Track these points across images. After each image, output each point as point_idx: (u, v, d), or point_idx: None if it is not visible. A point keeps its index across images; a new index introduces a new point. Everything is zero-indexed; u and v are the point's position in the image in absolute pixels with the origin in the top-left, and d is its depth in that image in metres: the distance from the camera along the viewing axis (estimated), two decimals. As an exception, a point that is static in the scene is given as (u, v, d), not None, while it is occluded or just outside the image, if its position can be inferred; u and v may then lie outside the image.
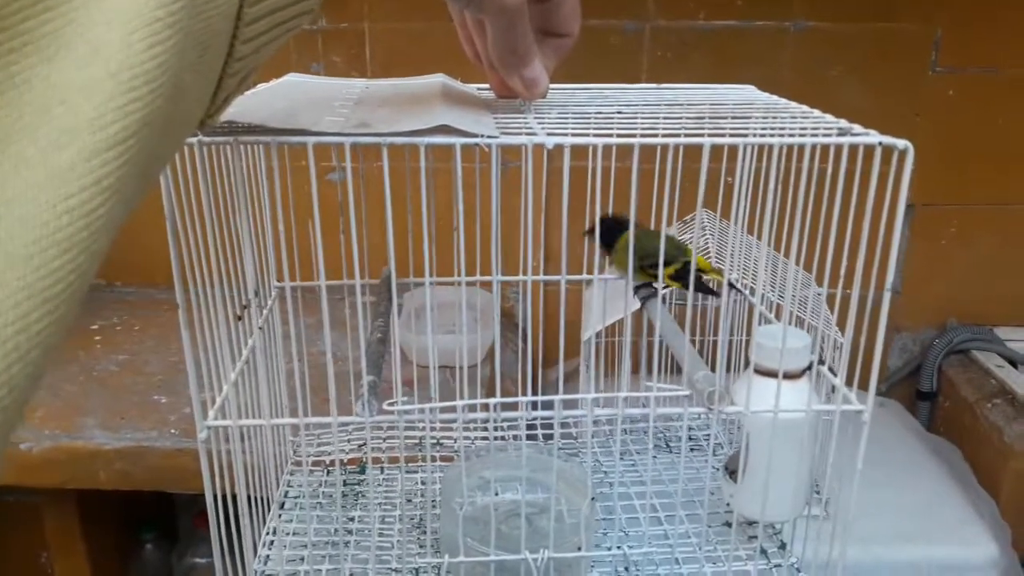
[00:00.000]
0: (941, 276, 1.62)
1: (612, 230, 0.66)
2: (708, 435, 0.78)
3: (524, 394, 0.58)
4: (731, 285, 0.72)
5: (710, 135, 0.49)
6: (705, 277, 0.72)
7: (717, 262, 0.80)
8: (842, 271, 0.52)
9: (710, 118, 0.52)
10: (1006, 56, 1.50)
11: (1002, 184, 1.57)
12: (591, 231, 0.67)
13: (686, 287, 0.62)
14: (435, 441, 0.72)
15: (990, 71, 1.51)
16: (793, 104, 0.58)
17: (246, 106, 0.52)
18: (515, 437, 0.70)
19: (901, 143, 0.48)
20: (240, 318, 0.58)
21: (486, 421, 0.54)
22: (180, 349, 0.51)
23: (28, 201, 0.22)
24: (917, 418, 1.56)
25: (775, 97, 0.61)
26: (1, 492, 1.22)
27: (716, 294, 0.73)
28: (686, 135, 0.50)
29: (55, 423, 1.10)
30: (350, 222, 0.53)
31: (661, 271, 0.55)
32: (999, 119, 1.54)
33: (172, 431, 1.09)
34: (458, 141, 0.47)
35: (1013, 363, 1.53)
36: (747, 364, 0.60)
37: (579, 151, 0.48)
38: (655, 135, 0.50)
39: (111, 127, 0.24)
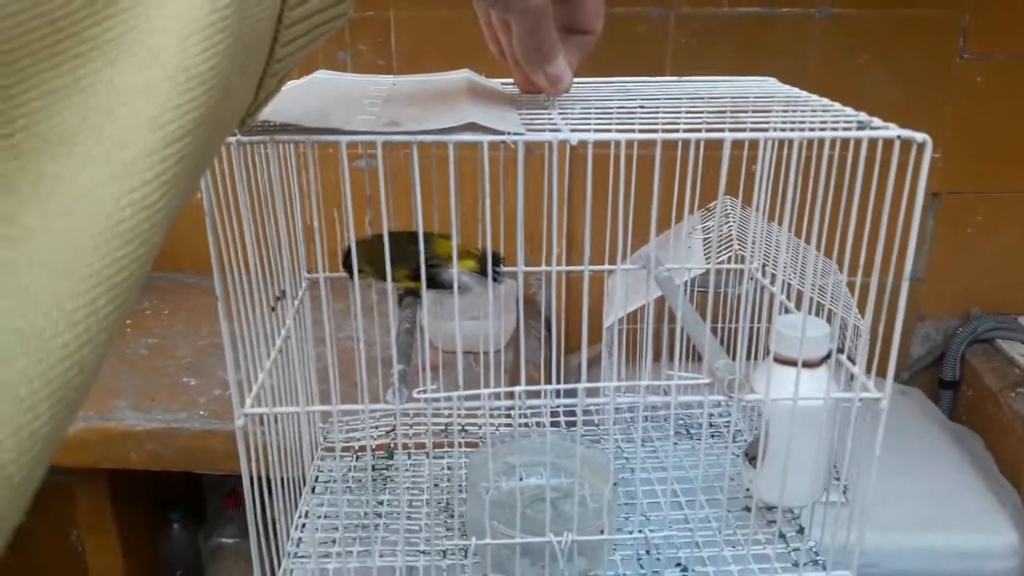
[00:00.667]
0: (966, 264, 1.61)
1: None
2: (728, 422, 0.79)
3: (547, 382, 0.60)
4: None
5: (731, 129, 0.50)
6: (449, 270, 0.62)
7: (739, 248, 0.81)
8: (862, 260, 0.52)
9: (731, 111, 0.53)
10: (1035, 43, 1.49)
11: (1032, 174, 1.56)
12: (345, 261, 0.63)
13: (433, 285, 0.60)
14: (461, 428, 0.73)
15: (1019, 58, 1.50)
16: (814, 97, 0.59)
17: (279, 105, 0.52)
18: (538, 424, 0.71)
19: (920, 136, 0.48)
20: (274, 309, 0.59)
21: (510, 408, 0.56)
22: (209, 333, 0.53)
23: (95, 197, 0.23)
24: (939, 407, 1.56)
25: (796, 89, 0.62)
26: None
27: (447, 287, 0.62)
28: (707, 129, 0.51)
29: (88, 405, 1.11)
30: (381, 215, 0.54)
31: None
32: (1029, 106, 1.52)
33: (201, 413, 1.11)
34: (485, 138, 0.48)
35: (1037, 352, 1.53)
36: (767, 352, 0.61)
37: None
38: (676, 129, 0.51)
39: (169, 126, 0.25)
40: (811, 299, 0.61)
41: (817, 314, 0.63)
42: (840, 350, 0.59)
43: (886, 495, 1.21)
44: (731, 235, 0.85)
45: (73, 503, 1.25)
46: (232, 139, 0.48)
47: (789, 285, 0.68)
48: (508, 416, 0.72)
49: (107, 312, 0.23)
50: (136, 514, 1.34)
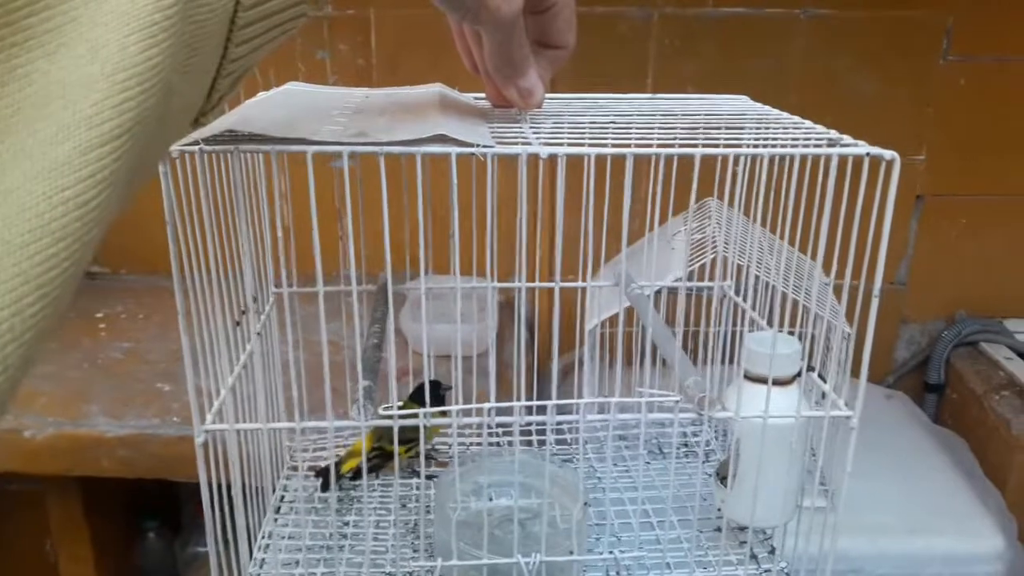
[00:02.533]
0: (950, 267, 1.61)
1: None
2: (697, 439, 0.78)
3: (520, 397, 0.59)
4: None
5: (703, 145, 0.50)
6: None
7: (724, 251, 0.80)
8: (833, 272, 0.52)
9: (704, 128, 0.53)
10: (1018, 45, 1.49)
11: (1013, 175, 1.56)
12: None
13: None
14: (430, 447, 0.72)
15: (1002, 60, 1.49)
16: (785, 114, 0.58)
17: (247, 115, 0.52)
18: (510, 442, 0.70)
19: (888, 154, 0.48)
20: (239, 323, 0.58)
21: (480, 426, 0.55)
22: (184, 340, 0.52)
23: (25, 192, 0.23)
24: (924, 410, 1.56)
25: (767, 107, 0.61)
26: (5, 480, 1.23)
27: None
28: (679, 146, 0.50)
29: (59, 410, 1.10)
30: (347, 229, 0.53)
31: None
32: (1011, 109, 1.52)
33: (175, 419, 1.09)
34: (454, 150, 0.48)
35: (1022, 355, 1.53)
36: (736, 360, 0.60)
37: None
38: (649, 145, 0.50)
39: (106, 124, 0.25)
40: (792, 305, 0.60)
41: (794, 320, 0.62)
42: (810, 368, 0.59)
43: (872, 499, 1.20)
44: (712, 238, 0.84)
45: (45, 512, 1.24)
46: (195, 147, 0.47)
47: (773, 289, 0.67)
48: (479, 435, 0.71)
49: (35, 311, 0.23)
50: (110, 523, 1.32)
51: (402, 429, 0.54)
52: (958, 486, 1.30)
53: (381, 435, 0.68)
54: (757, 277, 0.70)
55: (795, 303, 0.62)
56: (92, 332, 1.35)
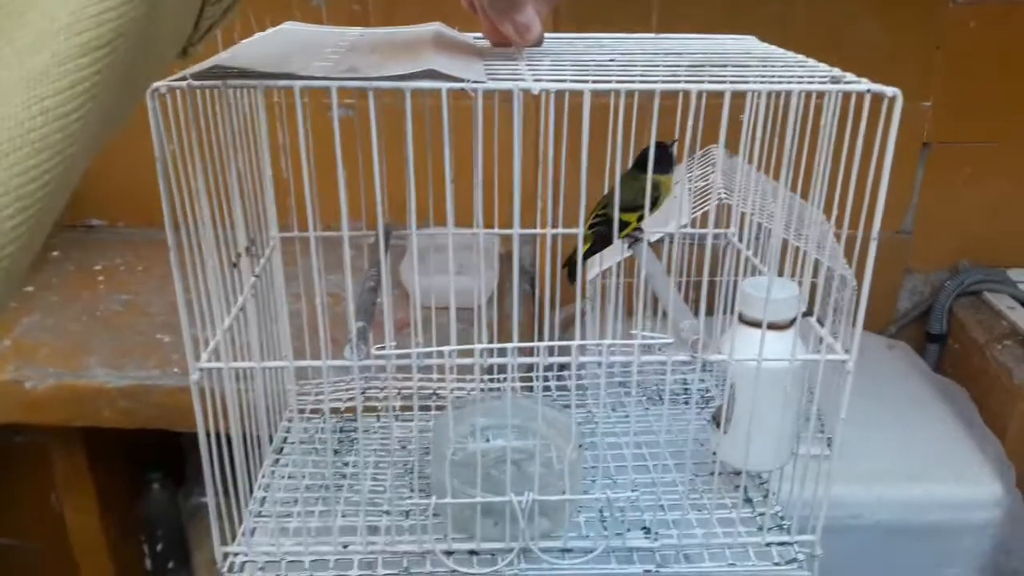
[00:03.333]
0: (955, 216, 1.59)
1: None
2: (699, 386, 0.78)
3: (523, 340, 0.59)
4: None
5: (708, 82, 0.49)
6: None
7: (726, 197, 0.79)
8: (834, 214, 0.52)
9: (709, 66, 0.52)
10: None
11: (1021, 122, 1.53)
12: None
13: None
14: (431, 392, 0.72)
15: (1013, 2, 1.46)
16: (790, 54, 0.57)
17: (239, 52, 0.52)
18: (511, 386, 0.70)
19: (890, 90, 0.47)
20: (235, 265, 0.58)
21: (474, 366, 0.55)
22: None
23: (2, 102, 0.23)
24: (926, 360, 1.56)
25: (774, 47, 0.60)
26: (9, 432, 1.24)
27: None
28: (684, 82, 0.49)
29: (59, 362, 1.10)
30: (338, 172, 0.53)
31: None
32: (1022, 53, 1.49)
33: (175, 370, 1.10)
34: (444, 85, 0.48)
35: (1025, 304, 1.52)
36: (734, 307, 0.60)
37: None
38: (652, 83, 0.49)
39: (85, 34, 0.24)
40: (793, 253, 0.59)
41: (796, 268, 0.61)
42: (808, 313, 0.58)
43: (871, 447, 1.21)
44: (715, 186, 0.83)
45: (50, 465, 1.24)
46: (183, 83, 0.47)
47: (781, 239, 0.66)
48: (489, 377, 0.71)
49: (15, 224, 0.23)
50: (114, 475, 1.33)
51: (626, 197, 0.57)
52: (958, 434, 1.30)
53: (606, 203, 0.69)
54: (760, 225, 0.69)
55: (796, 250, 0.61)
56: (91, 285, 1.34)
